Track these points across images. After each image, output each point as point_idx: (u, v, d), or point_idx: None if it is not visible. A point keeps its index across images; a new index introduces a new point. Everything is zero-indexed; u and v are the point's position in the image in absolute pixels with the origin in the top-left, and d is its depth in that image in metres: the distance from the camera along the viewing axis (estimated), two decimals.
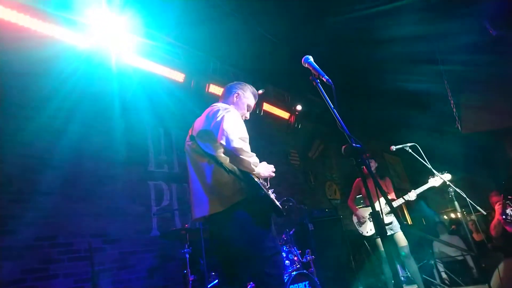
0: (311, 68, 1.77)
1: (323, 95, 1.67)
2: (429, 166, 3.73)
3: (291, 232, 3.84)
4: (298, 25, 4.52)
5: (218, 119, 2.01)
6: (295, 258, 3.58)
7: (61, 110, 3.62)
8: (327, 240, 5.19)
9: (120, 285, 3.52)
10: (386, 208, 3.93)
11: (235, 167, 1.98)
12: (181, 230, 3.35)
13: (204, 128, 2.10)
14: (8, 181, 3.17)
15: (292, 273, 3.20)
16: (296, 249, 3.67)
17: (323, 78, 1.69)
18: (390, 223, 4.07)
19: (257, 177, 2.03)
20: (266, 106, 5.98)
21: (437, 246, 5.94)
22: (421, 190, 3.97)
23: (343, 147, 1.51)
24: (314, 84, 1.74)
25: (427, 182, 3.91)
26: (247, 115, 2.42)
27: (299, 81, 5.29)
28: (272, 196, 2.07)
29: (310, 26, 4.49)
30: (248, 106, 2.40)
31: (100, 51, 3.74)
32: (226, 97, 2.38)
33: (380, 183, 4.15)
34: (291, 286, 3.04)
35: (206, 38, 4.39)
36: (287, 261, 3.50)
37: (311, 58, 1.80)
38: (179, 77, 4.52)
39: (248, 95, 2.40)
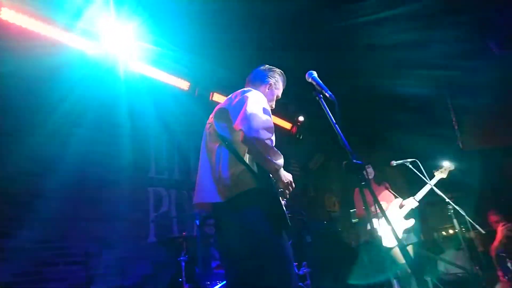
0: (314, 83, 1.78)
1: (326, 110, 1.68)
2: (429, 182, 3.72)
3: (289, 243, 3.81)
4: (304, 37, 4.55)
5: (240, 97, 1.80)
6: None
7: (70, 115, 3.63)
8: (325, 253, 5.15)
9: None
10: (403, 212, 3.83)
11: (249, 155, 1.74)
12: (178, 238, 3.34)
13: (223, 106, 1.89)
14: (11, 184, 3.18)
15: None
16: None
17: (326, 94, 1.70)
18: (409, 230, 3.84)
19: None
20: None
21: (442, 263, 5.90)
22: (436, 181, 3.74)
23: (344, 163, 1.51)
24: (317, 99, 1.75)
25: (434, 176, 3.79)
26: (273, 104, 2.17)
27: (303, 93, 5.29)
28: (283, 202, 1.78)
29: (311, 36, 4.48)
30: (277, 96, 2.18)
31: (108, 58, 3.78)
32: (256, 85, 2.10)
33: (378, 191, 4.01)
34: None
35: (212, 47, 4.44)
36: None
37: (314, 74, 1.81)
38: (184, 85, 4.56)
39: (279, 86, 2.17)
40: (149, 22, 3.72)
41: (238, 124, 1.68)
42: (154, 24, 3.78)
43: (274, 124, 5.69)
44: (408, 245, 3.78)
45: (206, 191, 1.77)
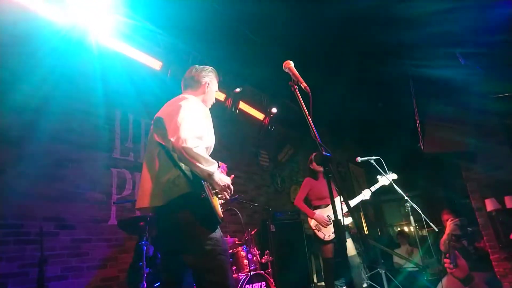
0: (291, 73, 1.78)
1: (300, 101, 1.69)
2: (390, 180, 3.90)
3: (253, 232, 3.86)
4: (282, 29, 4.54)
5: (173, 106, 1.87)
6: (254, 258, 3.61)
7: (39, 90, 3.40)
8: (287, 243, 5.27)
9: (70, 273, 3.36)
10: (344, 209, 3.97)
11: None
12: (139, 221, 3.26)
13: (159, 115, 1.94)
14: None
15: (250, 273, 3.22)
16: (255, 249, 3.69)
17: (302, 85, 1.71)
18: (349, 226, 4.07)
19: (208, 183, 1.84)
20: (242, 105, 5.98)
21: (396, 257, 6.29)
22: (374, 189, 3.99)
23: (314, 154, 1.54)
24: (293, 89, 1.75)
25: (377, 181, 4.03)
26: (213, 100, 2.28)
27: (278, 85, 5.33)
28: (217, 202, 1.86)
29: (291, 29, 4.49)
30: (216, 91, 2.29)
31: (79, 30, 3.56)
32: (194, 87, 2.17)
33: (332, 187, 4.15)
34: (247, 286, 3.05)
35: (188, 29, 4.30)
36: (245, 261, 3.52)
37: (292, 64, 1.81)
38: (156, 65, 4.40)
39: (214, 82, 2.26)
40: None
41: (169, 134, 1.75)
42: None
43: (247, 113, 5.67)
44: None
45: (147, 195, 1.83)
